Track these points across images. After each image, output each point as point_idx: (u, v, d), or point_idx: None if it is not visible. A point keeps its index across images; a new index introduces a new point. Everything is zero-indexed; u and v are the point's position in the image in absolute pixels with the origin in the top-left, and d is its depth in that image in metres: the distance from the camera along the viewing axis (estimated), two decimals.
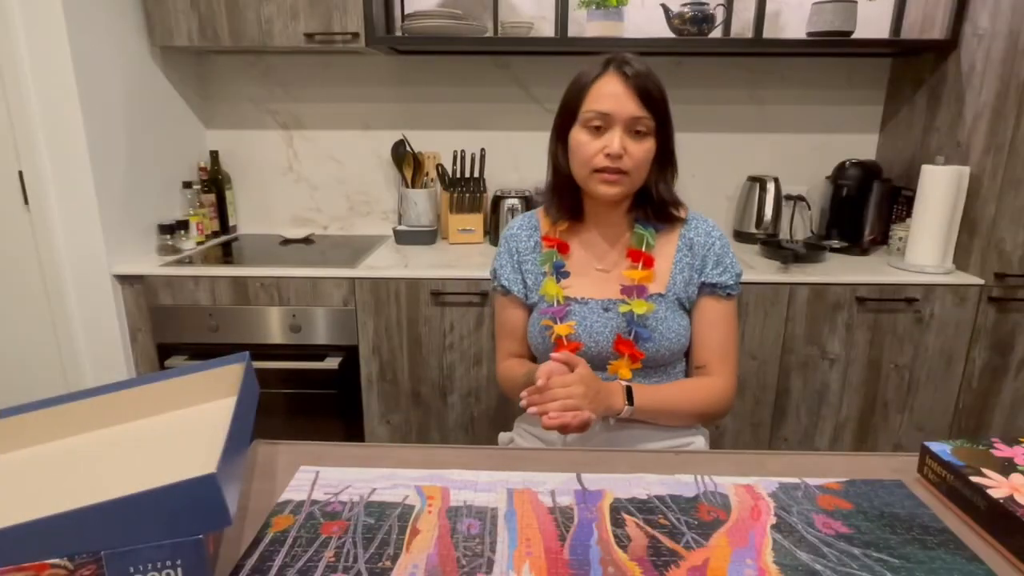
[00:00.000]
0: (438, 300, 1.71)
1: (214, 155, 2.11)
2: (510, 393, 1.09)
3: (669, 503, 0.70)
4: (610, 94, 0.95)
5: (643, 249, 1.03)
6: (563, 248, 1.07)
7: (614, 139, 0.95)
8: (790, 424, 1.81)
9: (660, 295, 1.03)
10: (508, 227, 1.14)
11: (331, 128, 2.16)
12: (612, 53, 0.98)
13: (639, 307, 1.00)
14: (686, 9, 1.79)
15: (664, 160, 1.02)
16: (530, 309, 1.10)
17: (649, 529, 0.66)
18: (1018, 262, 1.62)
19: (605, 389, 0.93)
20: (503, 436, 1.18)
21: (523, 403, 0.89)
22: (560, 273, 1.06)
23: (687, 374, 1.11)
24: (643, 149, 0.97)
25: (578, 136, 0.98)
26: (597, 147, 0.96)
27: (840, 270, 1.74)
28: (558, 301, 1.04)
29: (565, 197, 1.06)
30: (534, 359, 1.14)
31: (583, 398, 0.88)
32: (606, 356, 1.02)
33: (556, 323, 1.03)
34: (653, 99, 0.95)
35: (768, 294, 1.69)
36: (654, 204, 1.03)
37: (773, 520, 0.67)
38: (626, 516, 0.68)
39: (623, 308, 1.01)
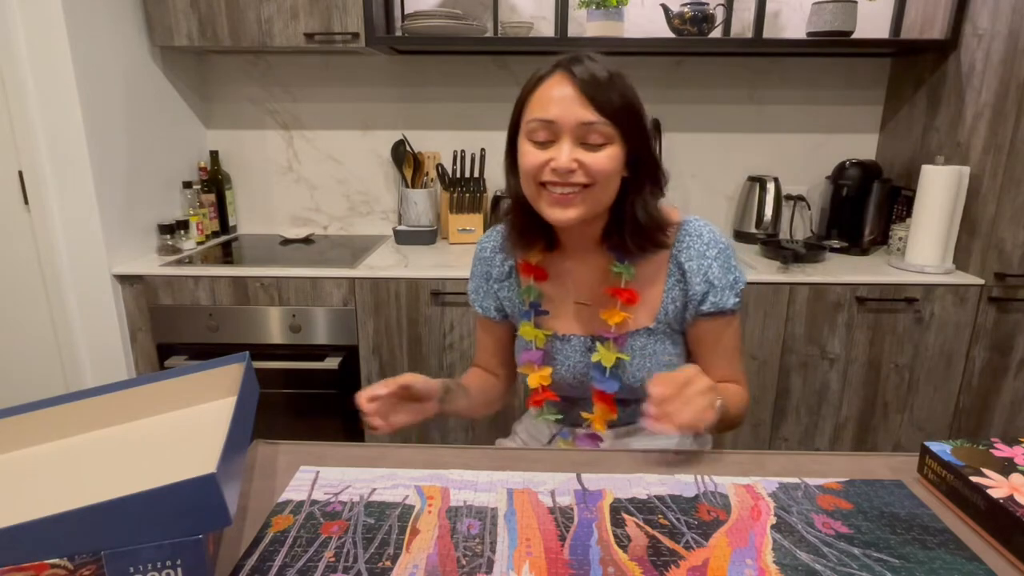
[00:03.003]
0: (438, 300, 1.71)
1: (214, 155, 2.11)
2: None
3: (669, 503, 0.70)
4: (556, 98, 0.79)
5: (622, 285, 0.91)
6: (540, 276, 0.95)
7: (562, 151, 0.79)
8: (790, 424, 1.81)
9: (648, 329, 0.93)
10: (480, 247, 1.03)
11: (331, 128, 2.16)
12: (569, 53, 0.82)
13: (607, 359, 0.91)
14: (686, 9, 1.79)
15: (640, 175, 0.85)
16: (511, 328, 1.04)
17: (649, 529, 0.66)
18: (1018, 262, 1.62)
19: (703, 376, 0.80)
20: (500, 443, 1.17)
21: (649, 421, 0.74)
22: (539, 312, 0.96)
23: None
24: (604, 157, 0.80)
25: (522, 146, 0.83)
26: (543, 158, 0.81)
27: (840, 270, 1.74)
28: (536, 344, 0.96)
29: (524, 223, 0.91)
30: (512, 375, 1.10)
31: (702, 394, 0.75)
32: (585, 395, 0.96)
33: (535, 369, 0.96)
34: (609, 102, 0.79)
35: (768, 294, 1.69)
36: (632, 230, 0.87)
37: (773, 520, 0.67)
38: (626, 516, 0.68)
39: (594, 357, 0.92)
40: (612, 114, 0.79)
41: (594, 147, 0.80)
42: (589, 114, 0.79)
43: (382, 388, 0.83)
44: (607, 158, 0.81)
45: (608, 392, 0.93)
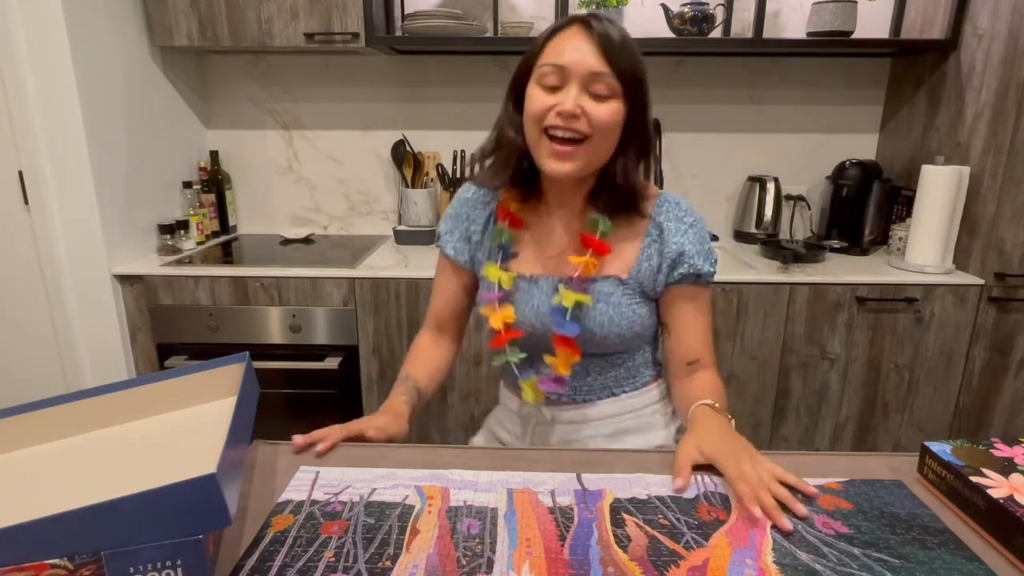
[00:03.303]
0: None
1: (214, 155, 2.11)
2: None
3: (669, 503, 0.70)
4: (569, 47, 0.83)
5: (596, 236, 0.91)
6: (516, 223, 0.96)
7: (568, 95, 0.81)
8: (790, 424, 1.81)
9: (620, 280, 0.92)
10: (464, 187, 1.03)
11: (331, 128, 2.16)
12: (586, 11, 0.87)
13: (568, 299, 0.90)
14: (686, 9, 1.79)
15: (629, 140, 0.87)
16: (473, 279, 1.03)
17: (649, 529, 0.66)
18: (1018, 262, 1.62)
19: (734, 434, 0.82)
20: (473, 443, 1.14)
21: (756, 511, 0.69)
22: (507, 254, 0.96)
23: (654, 356, 1.05)
24: (607, 111, 0.83)
25: (531, 90, 0.86)
26: (549, 102, 0.83)
27: (840, 270, 1.74)
28: (500, 285, 0.94)
29: (506, 168, 0.93)
30: (461, 332, 1.09)
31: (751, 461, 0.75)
32: (548, 344, 0.94)
33: (495, 309, 0.94)
34: (619, 57, 0.82)
35: (768, 294, 1.69)
36: (614, 190, 0.89)
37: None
38: (626, 516, 0.68)
39: (555, 299, 0.91)
40: (620, 70, 0.82)
41: (599, 98, 0.83)
42: (599, 65, 0.82)
43: (374, 432, 0.85)
44: (609, 111, 0.83)
45: (568, 335, 0.91)
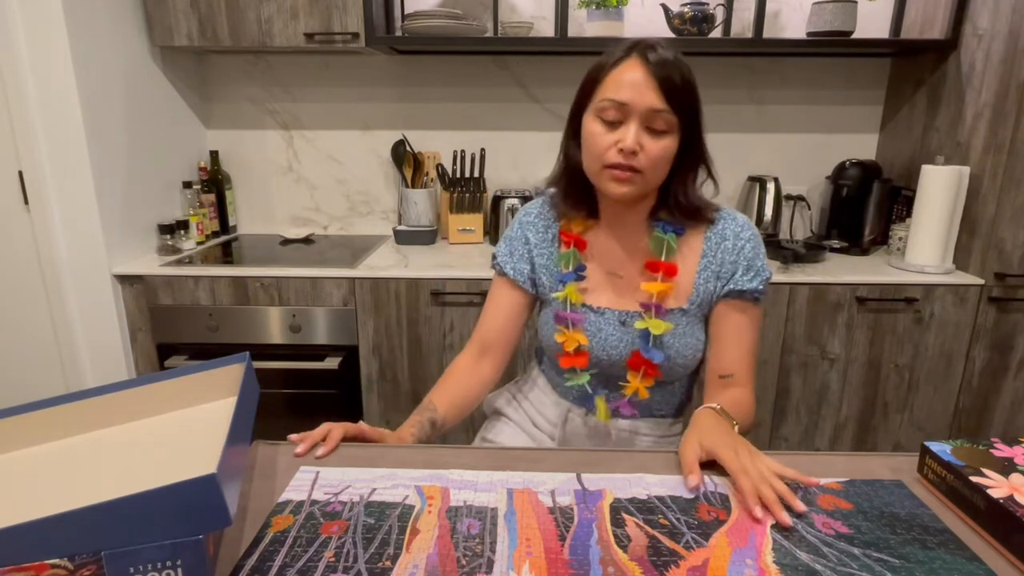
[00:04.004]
0: (438, 300, 1.71)
1: (214, 155, 2.11)
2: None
3: (669, 503, 0.70)
4: (629, 82, 0.85)
5: (663, 258, 0.94)
6: (581, 245, 0.99)
7: (629, 133, 0.85)
8: (790, 424, 1.81)
9: (682, 309, 0.95)
10: (524, 212, 1.05)
11: (331, 128, 2.16)
12: (640, 38, 0.89)
13: (656, 327, 0.92)
14: (686, 9, 1.79)
15: (688, 162, 0.91)
16: (532, 298, 1.05)
17: (649, 529, 0.66)
18: (1018, 262, 1.62)
19: (733, 433, 0.82)
20: (490, 399, 1.15)
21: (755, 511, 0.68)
22: (580, 276, 0.99)
23: (693, 384, 1.07)
24: (660, 147, 0.86)
25: (591, 126, 0.89)
26: (611, 140, 0.86)
27: (840, 270, 1.74)
28: (571, 305, 0.97)
29: (574, 190, 0.97)
30: (508, 357, 1.07)
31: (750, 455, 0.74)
32: (619, 371, 0.97)
33: (569, 329, 0.97)
34: (677, 92, 0.85)
35: (768, 294, 1.68)
36: (677, 208, 0.94)
37: (773, 520, 0.67)
38: (626, 516, 0.68)
39: (639, 324, 0.94)
40: (677, 104, 0.85)
41: (657, 133, 0.86)
42: (658, 102, 0.84)
43: (370, 431, 0.85)
44: (663, 147, 0.87)
45: (654, 361, 0.94)
